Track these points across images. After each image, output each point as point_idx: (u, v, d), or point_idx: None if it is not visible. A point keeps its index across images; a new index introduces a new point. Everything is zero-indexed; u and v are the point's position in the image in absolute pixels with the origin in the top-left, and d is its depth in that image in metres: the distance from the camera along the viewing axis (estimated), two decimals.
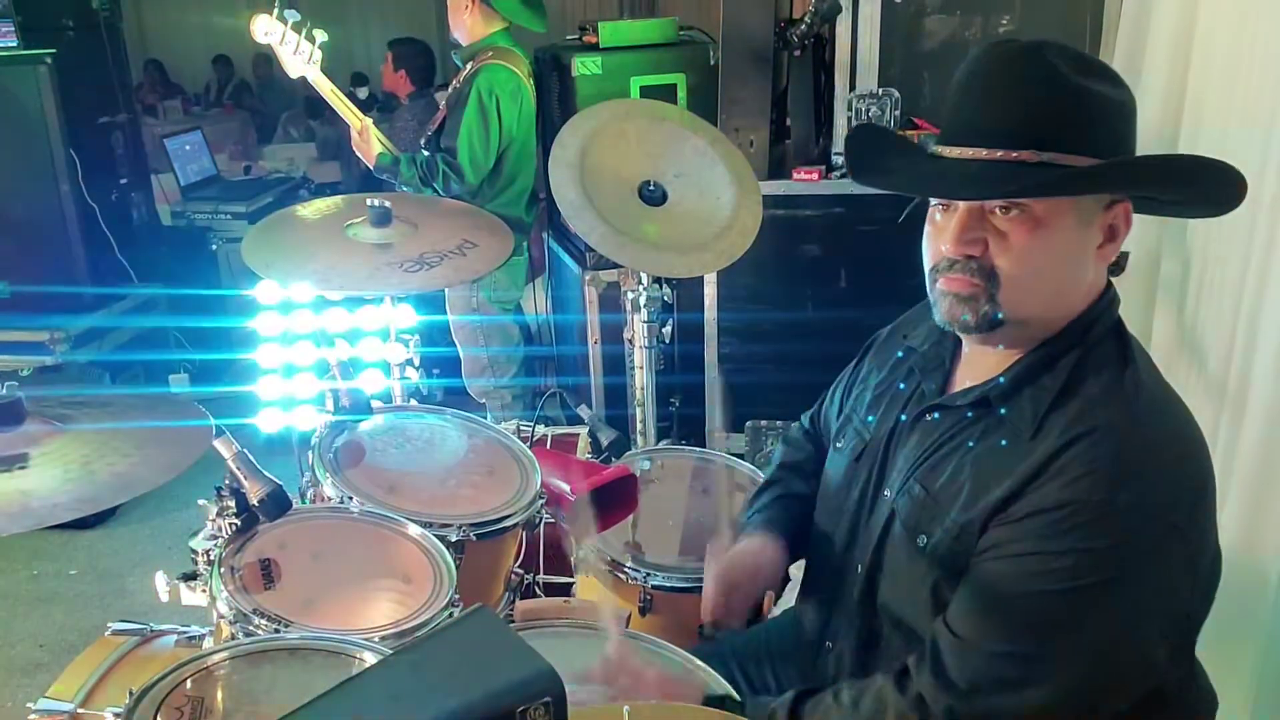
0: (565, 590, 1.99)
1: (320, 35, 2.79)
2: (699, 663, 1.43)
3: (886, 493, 1.28)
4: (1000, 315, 1.14)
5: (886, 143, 1.35)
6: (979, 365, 1.23)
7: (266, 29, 2.73)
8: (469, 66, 3.29)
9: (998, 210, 1.11)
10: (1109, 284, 1.20)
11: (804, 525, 1.45)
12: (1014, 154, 1.10)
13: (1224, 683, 1.35)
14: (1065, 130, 1.09)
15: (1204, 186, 1.17)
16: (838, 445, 1.41)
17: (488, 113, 3.17)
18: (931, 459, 1.22)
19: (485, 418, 2.17)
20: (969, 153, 1.12)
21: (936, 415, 1.25)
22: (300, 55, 2.79)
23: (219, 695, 1.25)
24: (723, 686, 1.34)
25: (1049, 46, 1.12)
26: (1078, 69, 1.10)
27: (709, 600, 1.42)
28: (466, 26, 3.29)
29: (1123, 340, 1.17)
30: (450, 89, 3.41)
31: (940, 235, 1.16)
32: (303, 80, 2.88)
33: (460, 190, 3.18)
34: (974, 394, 1.20)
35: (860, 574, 1.29)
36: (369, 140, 3.21)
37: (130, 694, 1.22)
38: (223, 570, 1.46)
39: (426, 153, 3.32)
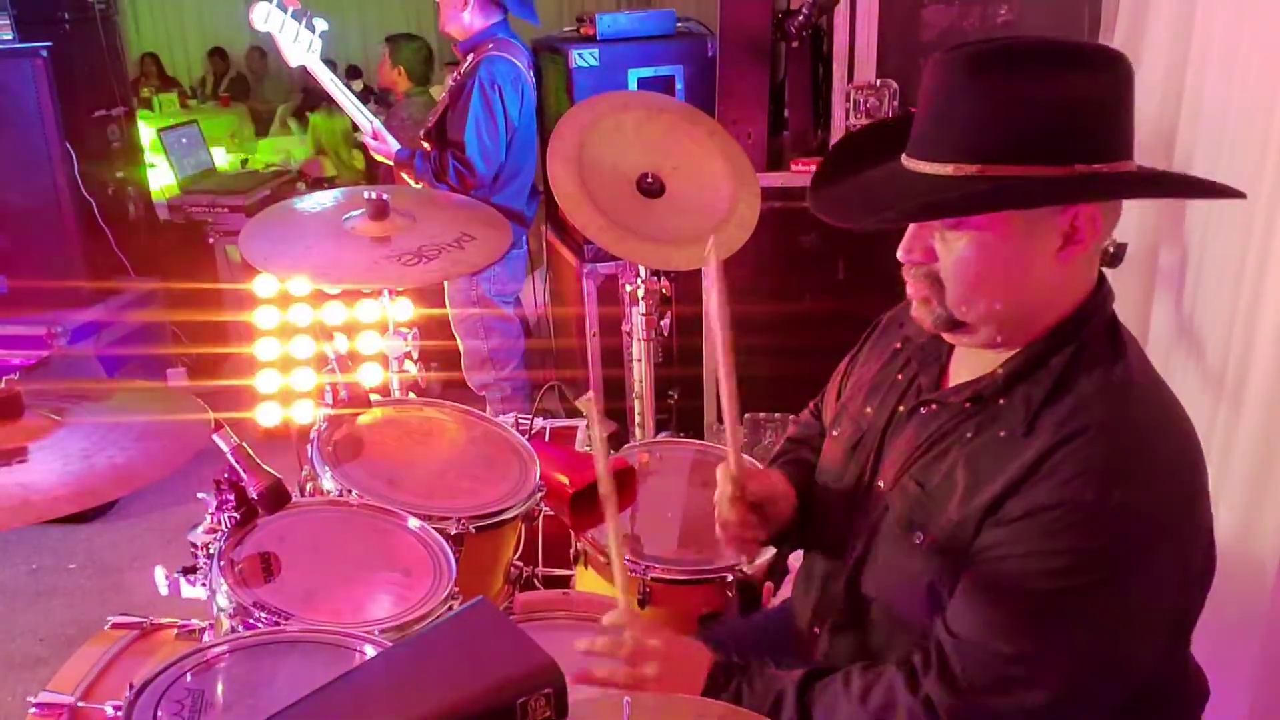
0: (564, 583, 1.99)
1: (320, 24, 2.79)
2: None
3: (881, 484, 1.28)
4: (956, 317, 1.16)
5: (863, 149, 1.29)
6: (973, 359, 1.23)
7: (266, 16, 2.73)
8: (469, 59, 3.29)
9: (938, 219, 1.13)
10: (1101, 280, 1.19)
11: (811, 488, 1.45)
12: (947, 167, 1.09)
13: (1221, 675, 1.35)
14: (998, 141, 1.06)
15: (1161, 193, 1.16)
16: (834, 433, 1.41)
17: (492, 104, 3.18)
18: (927, 455, 1.22)
19: (484, 411, 2.17)
20: (920, 165, 1.12)
21: (931, 409, 1.25)
22: (300, 44, 2.79)
23: (219, 688, 1.25)
24: None
25: (1003, 49, 1.08)
26: (1027, 71, 1.06)
27: (729, 507, 1.35)
28: (464, 21, 3.29)
29: (1116, 337, 1.17)
30: (449, 81, 3.41)
31: None
32: (301, 71, 2.88)
33: (473, 184, 3.19)
34: (968, 390, 1.20)
35: (850, 562, 1.30)
36: (384, 139, 3.23)
37: (130, 687, 1.22)
38: (222, 563, 1.47)
39: (426, 145, 3.33)
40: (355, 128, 3.30)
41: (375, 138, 3.27)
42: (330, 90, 3.04)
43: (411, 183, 3.30)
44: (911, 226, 1.16)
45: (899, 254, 1.18)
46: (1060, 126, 1.06)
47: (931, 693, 1.14)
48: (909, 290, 1.20)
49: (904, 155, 1.16)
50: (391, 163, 3.32)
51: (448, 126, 3.27)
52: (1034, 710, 1.10)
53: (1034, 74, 1.06)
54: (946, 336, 1.23)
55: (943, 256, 1.14)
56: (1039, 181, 1.06)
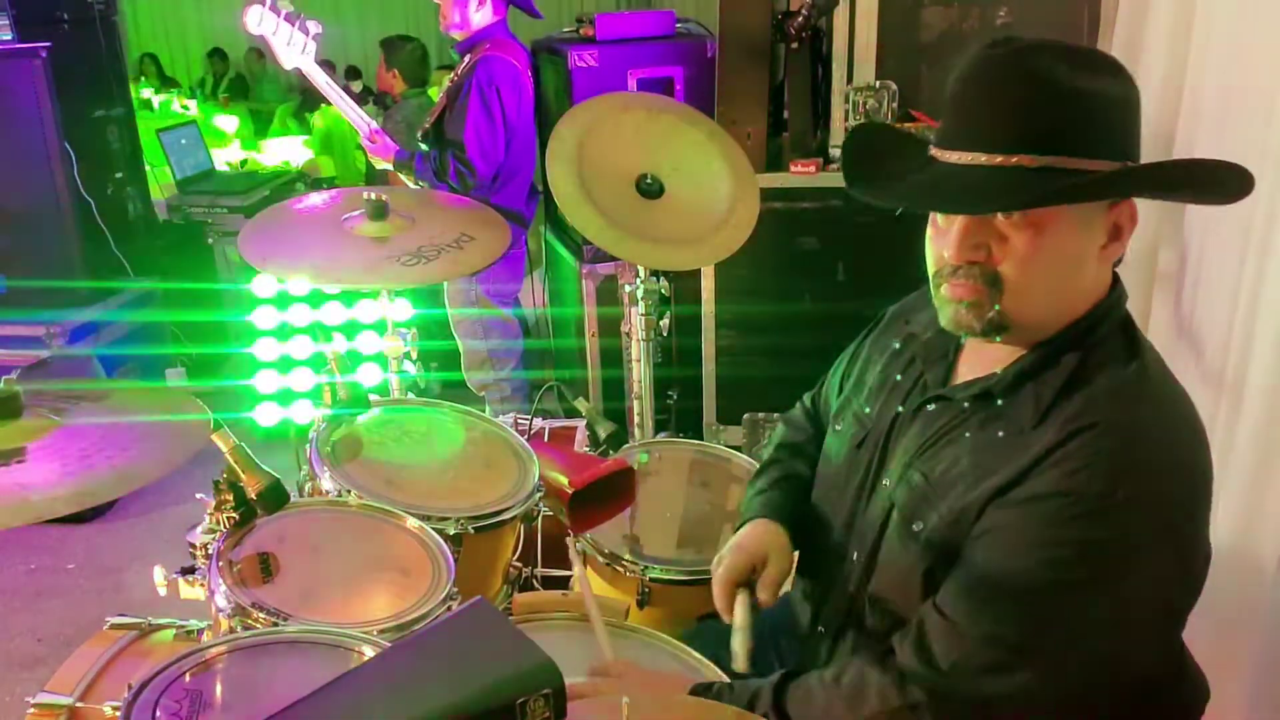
0: (563, 583, 1.99)
1: (314, 27, 2.79)
2: (695, 654, 1.44)
3: (886, 482, 1.28)
4: (1007, 320, 1.14)
5: (885, 142, 1.30)
6: (982, 357, 1.23)
7: (259, 19, 2.72)
8: (467, 59, 3.29)
9: (1000, 214, 1.11)
10: (1115, 280, 1.19)
11: (806, 507, 1.45)
12: (1013, 158, 1.08)
13: (1220, 673, 1.35)
14: (1065, 133, 1.07)
15: (1210, 188, 1.16)
16: (836, 428, 1.41)
17: (491, 104, 3.18)
18: (932, 448, 1.22)
19: (484, 411, 2.17)
20: (967, 158, 1.10)
21: (937, 405, 1.25)
22: (293, 47, 2.79)
23: (218, 689, 1.25)
24: (717, 676, 1.34)
25: (1046, 46, 1.10)
26: (1076, 68, 1.08)
27: (727, 600, 1.35)
28: (473, 19, 3.29)
29: (1130, 336, 1.17)
30: (448, 81, 3.41)
31: (943, 239, 1.15)
32: (298, 73, 2.89)
33: (474, 184, 3.19)
34: (976, 387, 1.20)
35: (856, 562, 1.29)
36: (382, 140, 3.23)
37: (129, 688, 1.22)
38: (221, 564, 1.46)
39: (425, 146, 3.33)
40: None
41: (372, 139, 3.27)
42: (325, 93, 3.04)
43: (410, 184, 3.31)
44: (967, 224, 1.12)
45: (951, 254, 1.13)
46: (1115, 122, 1.09)
47: (905, 669, 1.13)
48: (953, 292, 1.15)
49: (934, 148, 1.15)
50: (389, 165, 3.32)
51: (446, 127, 3.27)
52: (1013, 696, 1.09)
53: (1084, 71, 1.08)
54: (987, 339, 1.19)
55: (1001, 254, 1.11)
56: (1118, 174, 1.08)
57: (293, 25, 2.78)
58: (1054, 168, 1.07)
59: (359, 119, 3.21)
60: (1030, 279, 1.11)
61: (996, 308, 1.13)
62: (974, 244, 1.12)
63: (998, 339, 1.17)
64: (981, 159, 1.09)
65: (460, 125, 3.18)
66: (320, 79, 2.95)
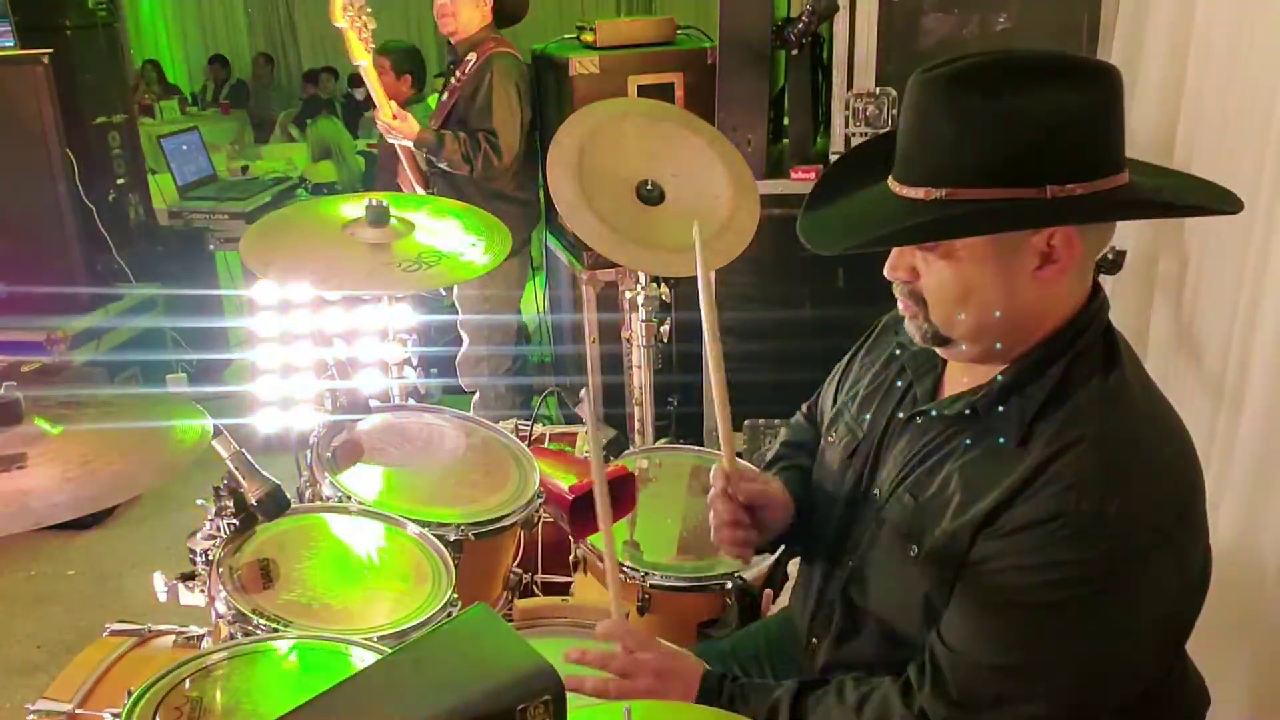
0: (564, 590, 1.99)
1: (371, 22, 2.96)
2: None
3: (875, 493, 1.28)
4: (942, 334, 1.18)
5: (866, 165, 1.27)
6: (969, 369, 1.23)
7: (344, 9, 2.87)
8: (472, 56, 3.34)
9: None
10: (1096, 290, 1.18)
11: (808, 496, 1.45)
12: (919, 191, 1.09)
13: (1220, 679, 1.35)
14: (968, 165, 1.06)
15: (1137, 215, 1.16)
16: (829, 439, 1.41)
17: (512, 96, 3.30)
18: (921, 467, 1.22)
19: (470, 409, 2.17)
20: (897, 188, 1.13)
21: (925, 420, 1.25)
22: (363, 40, 2.91)
23: (217, 695, 1.25)
24: None
25: (981, 68, 1.07)
26: (1003, 91, 1.03)
27: (720, 503, 1.36)
28: (479, 18, 3.36)
29: (1110, 346, 1.17)
30: (454, 80, 3.43)
31: None
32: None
33: (495, 170, 3.28)
34: (962, 402, 1.20)
35: (846, 571, 1.30)
36: (408, 118, 3.27)
37: (128, 694, 1.22)
38: (221, 570, 1.46)
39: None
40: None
41: (398, 117, 3.30)
42: (371, 87, 3.16)
43: (413, 178, 3.34)
44: (897, 248, 1.17)
45: (885, 272, 1.20)
46: (1031, 147, 1.04)
47: (926, 706, 1.13)
48: (899, 305, 1.22)
49: (889, 177, 1.17)
50: (412, 144, 3.33)
51: (470, 119, 3.32)
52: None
53: (1006, 94, 1.04)
54: (938, 351, 1.23)
55: (924, 276, 1.16)
56: (1002, 207, 1.05)
57: (362, 19, 2.91)
58: (953, 199, 1.07)
59: (384, 101, 3.26)
60: (945, 300, 1.15)
61: (927, 323, 1.18)
62: (901, 265, 1.18)
63: (942, 350, 1.22)
64: (900, 190, 1.13)
65: (487, 114, 3.26)
66: (373, 74, 3.10)
